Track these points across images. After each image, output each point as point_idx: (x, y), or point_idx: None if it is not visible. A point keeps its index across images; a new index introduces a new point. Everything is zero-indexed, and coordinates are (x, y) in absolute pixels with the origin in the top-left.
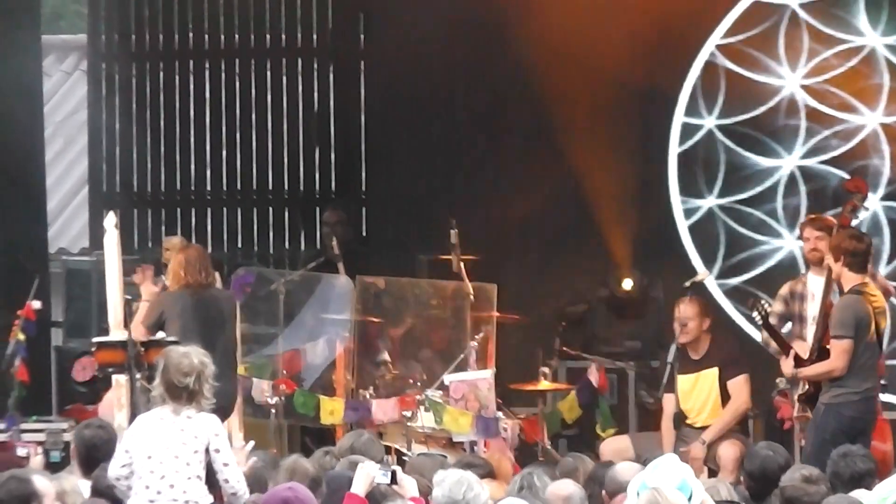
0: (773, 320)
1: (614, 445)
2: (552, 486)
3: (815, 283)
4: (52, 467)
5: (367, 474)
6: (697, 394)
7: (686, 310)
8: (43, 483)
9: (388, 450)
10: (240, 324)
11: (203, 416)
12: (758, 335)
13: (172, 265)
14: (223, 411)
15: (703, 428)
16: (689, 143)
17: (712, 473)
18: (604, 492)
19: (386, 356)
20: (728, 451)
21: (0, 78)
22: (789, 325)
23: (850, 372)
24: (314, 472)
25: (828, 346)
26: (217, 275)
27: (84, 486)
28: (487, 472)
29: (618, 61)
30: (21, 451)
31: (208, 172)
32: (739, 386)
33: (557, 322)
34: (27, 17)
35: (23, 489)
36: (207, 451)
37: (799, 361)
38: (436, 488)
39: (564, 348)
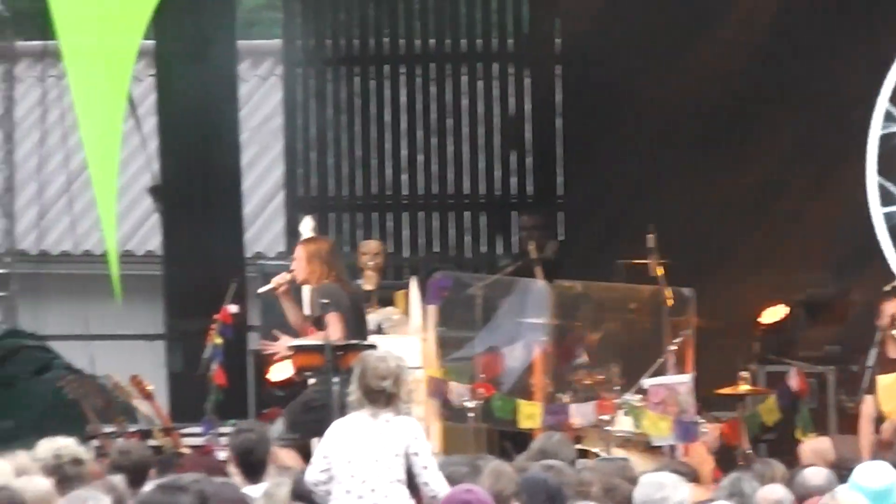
0: None
1: (815, 446)
2: (762, 490)
3: None
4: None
5: None
6: None
7: (892, 308)
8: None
9: (585, 454)
10: (437, 328)
11: (402, 420)
12: None
13: (308, 257)
14: None
15: None
16: (889, 145)
17: None
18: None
19: (584, 360)
20: None
21: (196, 84)
22: None
23: None
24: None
25: None
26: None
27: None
28: (692, 478)
29: (813, 49)
30: (221, 455)
31: (404, 177)
32: None
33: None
34: (222, 22)
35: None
36: (407, 454)
37: None
38: (636, 489)
39: (763, 353)
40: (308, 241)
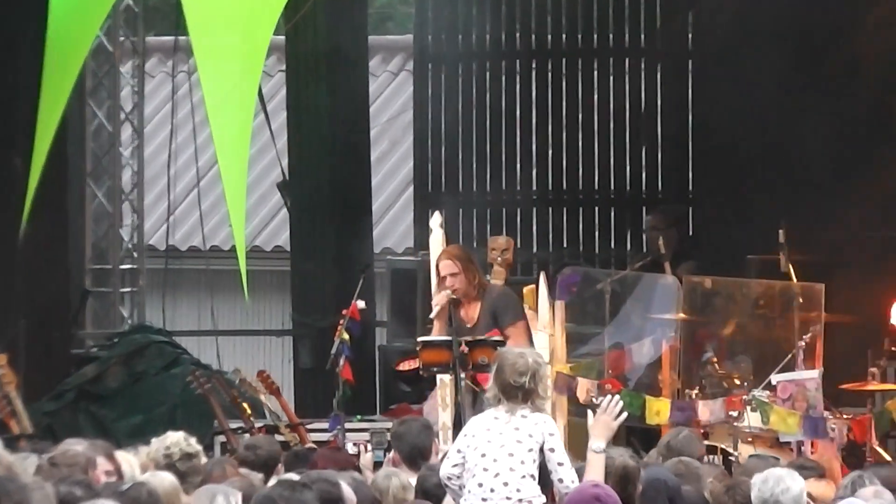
0: None
1: None
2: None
3: None
4: (376, 466)
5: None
6: None
7: None
8: (349, 493)
9: (714, 450)
10: (565, 323)
11: (537, 416)
12: None
13: (472, 264)
14: None
15: None
16: None
17: None
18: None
19: (712, 356)
20: None
21: (326, 79)
22: None
23: None
24: None
25: None
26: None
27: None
28: (819, 474)
29: None
30: (351, 449)
31: (534, 172)
32: None
33: None
34: (354, 18)
35: (332, 492)
36: (542, 450)
37: None
38: (753, 483)
39: (893, 348)
40: (449, 251)
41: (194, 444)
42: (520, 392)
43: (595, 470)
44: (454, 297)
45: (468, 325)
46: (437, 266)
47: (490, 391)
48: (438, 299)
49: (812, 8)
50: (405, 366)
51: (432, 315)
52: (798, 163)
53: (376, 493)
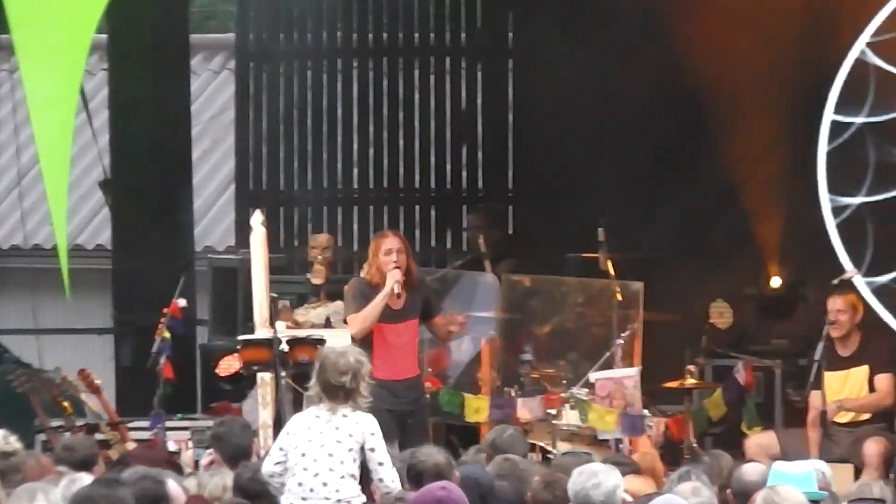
0: None
1: (760, 441)
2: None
3: None
4: (198, 465)
5: None
6: (848, 391)
7: (838, 303)
8: (175, 488)
9: (532, 447)
10: None
11: (359, 415)
12: None
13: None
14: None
15: (850, 424)
16: (839, 141)
17: (858, 471)
18: (729, 491)
19: (531, 354)
20: (873, 448)
21: (148, 78)
22: None
23: None
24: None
25: None
26: None
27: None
28: (635, 471)
29: (768, 59)
30: (172, 447)
31: (355, 171)
32: (886, 383)
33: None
34: (175, 16)
35: (156, 490)
36: (362, 449)
37: None
38: (569, 482)
39: (711, 347)
40: (395, 232)
41: (13, 443)
42: (341, 391)
43: None
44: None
45: (393, 308)
46: (382, 243)
47: (312, 390)
48: (397, 278)
49: (630, 6)
50: (225, 370)
51: (386, 291)
52: (617, 162)
53: (200, 491)
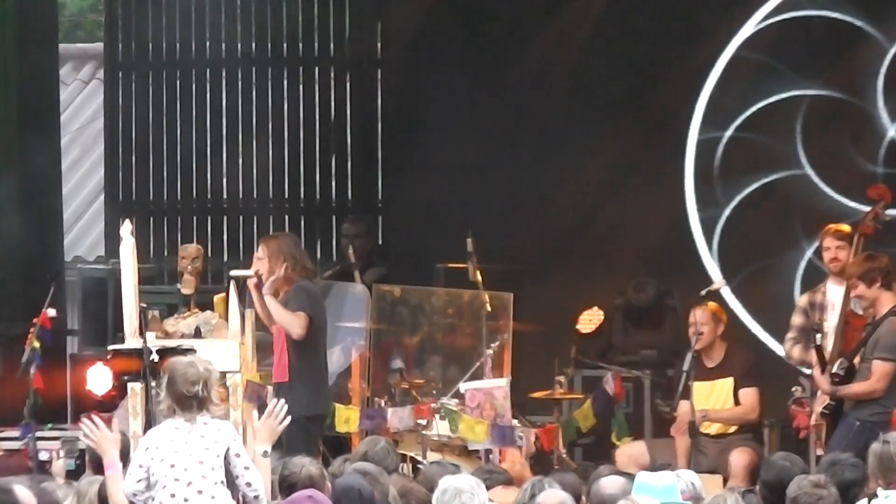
0: (792, 334)
1: (630, 451)
2: (542, 494)
3: (834, 293)
4: (68, 475)
5: None
6: (713, 402)
7: (700, 315)
8: (25, 494)
9: (403, 458)
10: (255, 332)
11: (218, 423)
12: (775, 345)
13: (272, 255)
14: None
15: (718, 436)
16: (707, 151)
17: (725, 481)
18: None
19: (401, 364)
20: (739, 459)
21: (18, 86)
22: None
23: (887, 392)
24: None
25: (855, 363)
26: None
27: None
28: (506, 481)
29: (635, 62)
30: (43, 456)
31: (224, 182)
32: (750, 396)
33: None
34: (45, 26)
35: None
36: (227, 455)
37: (832, 378)
38: (434, 494)
39: (580, 357)
40: (270, 236)
41: None
42: (194, 401)
43: (263, 472)
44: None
45: None
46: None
47: (163, 403)
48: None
49: (496, 16)
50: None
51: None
52: (485, 171)
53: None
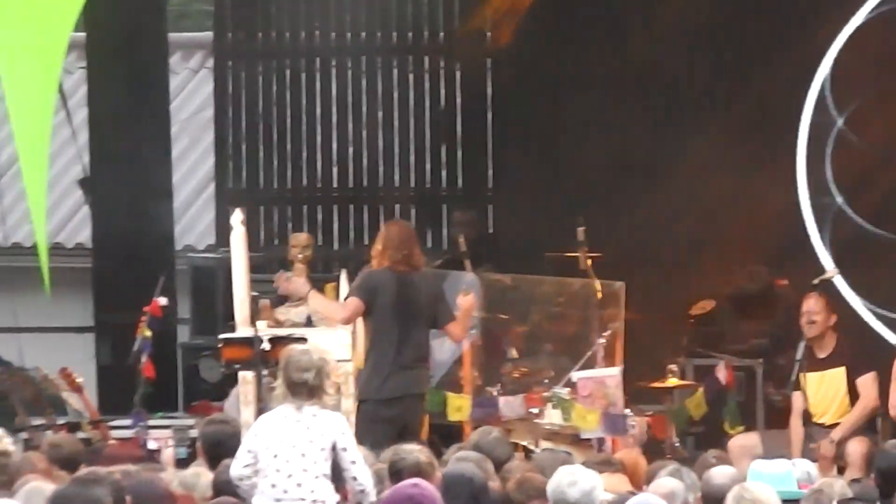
0: None
1: (742, 442)
2: (656, 482)
3: None
4: (179, 464)
5: None
6: (824, 393)
7: (813, 304)
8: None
9: (515, 447)
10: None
11: (328, 414)
12: (888, 334)
13: (376, 243)
14: (410, 400)
15: (832, 426)
16: (820, 138)
17: (841, 471)
18: (691, 496)
19: (513, 353)
20: (856, 448)
21: (127, 77)
22: None
23: None
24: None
25: None
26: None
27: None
28: (616, 469)
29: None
30: (152, 445)
31: (335, 170)
32: (868, 384)
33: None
34: (153, 15)
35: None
36: (334, 448)
37: None
38: (550, 482)
39: (691, 346)
40: (388, 224)
41: (5, 443)
42: (304, 389)
43: None
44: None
45: None
46: None
47: (277, 388)
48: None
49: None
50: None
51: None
52: (597, 161)
53: (187, 491)
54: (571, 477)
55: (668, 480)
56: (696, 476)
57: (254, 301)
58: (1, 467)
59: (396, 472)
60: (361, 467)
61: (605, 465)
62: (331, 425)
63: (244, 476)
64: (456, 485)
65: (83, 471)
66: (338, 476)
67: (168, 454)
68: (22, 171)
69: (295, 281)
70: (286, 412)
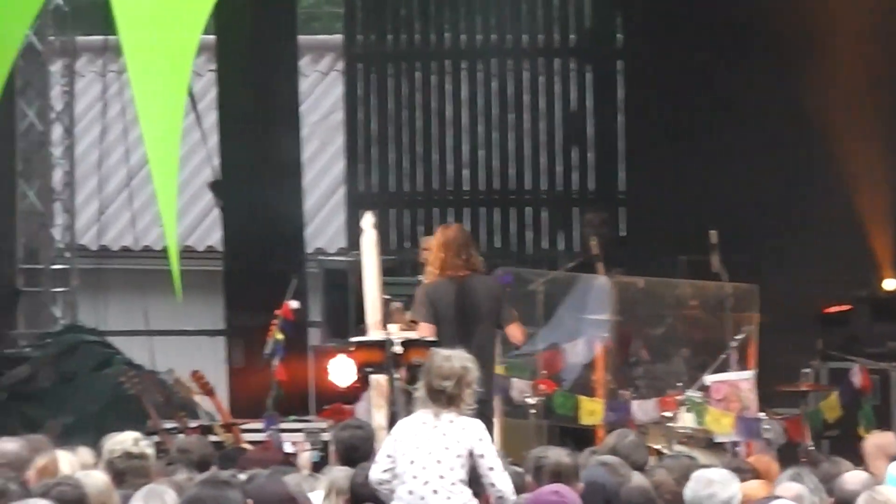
0: None
1: (878, 441)
2: (782, 486)
3: None
4: (313, 467)
5: None
6: None
7: None
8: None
9: (648, 450)
10: None
11: (465, 421)
12: None
13: (434, 248)
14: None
15: None
16: None
17: None
18: (816, 499)
19: (645, 356)
20: None
21: (257, 79)
22: None
23: None
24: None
25: None
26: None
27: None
28: (751, 475)
29: (876, 47)
30: (288, 448)
31: (466, 172)
32: None
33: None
34: (283, 17)
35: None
36: (471, 455)
37: None
38: (686, 486)
39: (826, 349)
40: (445, 227)
41: (143, 447)
42: (443, 396)
43: None
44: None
45: None
46: None
47: (419, 392)
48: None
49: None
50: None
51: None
52: (729, 163)
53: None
54: (710, 487)
55: (793, 484)
56: (819, 483)
57: (385, 304)
58: (139, 469)
59: (537, 470)
60: (500, 473)
61: (740, 471)
62: (468, 432)
63: (383, 480)
64: (589, 490)
65: (209, 473)
66: (477, 482)
67: (305, 458)
68: (152, 174)
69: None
70: (424, 418)
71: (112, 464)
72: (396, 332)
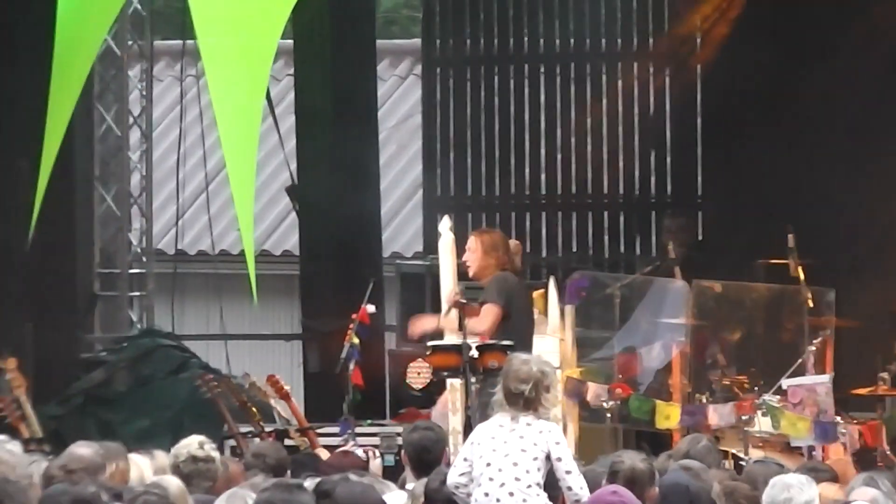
0: None
1: None
2: (856, 490)
3: None
4: (387, 471)
5: None
6: None
7: None
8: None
9: (724, 454)
10: (575, 328)
11: (542, 424)
12: None
13: (484, 248)
14: None
15: None
16: None
17: None
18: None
19: (722, 360)
20: None
21: (335, 83)
22: None
23: None
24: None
25: None
26: None
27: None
28: (830, 478)
29: None
30: (360, 453)
31: (543, 177)
32: None
33: None
34: (361, 21)
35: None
36: (548, 458)
37: None
38: (765, 490)
39: None
40: (481, 231)
41: (209, 450)
42: (521, 399)
43: None
44: (462, 300)
45: None
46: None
47: (497, 396)
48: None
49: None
50: (416, 383)
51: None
52: (806, 167)
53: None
54: (787, 492)
55: (867, 489)
56: (893, 487)
57: (462, 308)
58: (205, 473)
59: (612, 475)
60: (576, 477)
61: (818, 472)
62: (544, 435)
63: (460, 484)
64: (672, 493)
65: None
66: (553, 485)
67: (376, 464)
68: (229, 178)
69: (418, 324)
70: (502, 421)
71: (178, 468)
72: (473, 337)
